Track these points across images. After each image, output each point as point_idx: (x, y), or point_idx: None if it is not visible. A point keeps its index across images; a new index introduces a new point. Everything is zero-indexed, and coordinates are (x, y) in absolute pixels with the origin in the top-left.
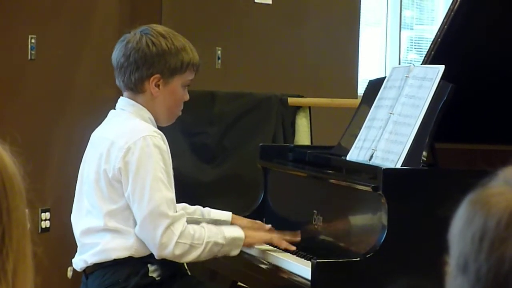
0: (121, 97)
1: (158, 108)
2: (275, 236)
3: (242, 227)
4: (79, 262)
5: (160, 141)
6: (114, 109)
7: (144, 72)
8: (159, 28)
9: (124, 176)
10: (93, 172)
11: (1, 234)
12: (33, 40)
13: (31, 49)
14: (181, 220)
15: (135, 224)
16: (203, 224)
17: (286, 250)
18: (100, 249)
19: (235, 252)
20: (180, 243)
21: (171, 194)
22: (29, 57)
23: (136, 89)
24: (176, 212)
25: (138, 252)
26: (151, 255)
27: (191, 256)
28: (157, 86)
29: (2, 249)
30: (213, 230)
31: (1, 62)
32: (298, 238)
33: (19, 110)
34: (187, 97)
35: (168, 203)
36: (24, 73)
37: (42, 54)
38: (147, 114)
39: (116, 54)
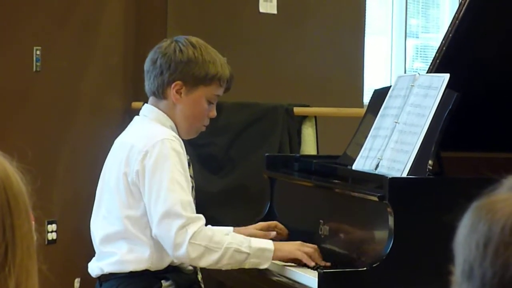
0: (145, 104)
1: (178, 117)
2: (307, 252)
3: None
4: (96, 268)
5: (178, 146)
6: (138, 115)
7: (166, 77)
8: (194, 39)
9: (142, 178)
10: (113, 178)
11: (4, 250)
12: (38, 52)
13: (36, 61)
14: (197, 221)
15: (151, 233)
16: (231, 232)
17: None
18: (118, 260)
19: (264, 265)
20: (193, 244)
21: (188, 197)
22: (34, 69)
23: (158, 94)
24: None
25: (155, 265)
26: (167, 269)
27: (208, 260)
28: (179, 93)
29: (5, 265)
30: (238, 238)
31: (6, 74)
32: (322, 262)
33: (24, 121)
34: (213, 113)
35: (184, 205)
36: (29, 85)
37: (47, 65)
38: (169, 122)
39: (147, 60)
